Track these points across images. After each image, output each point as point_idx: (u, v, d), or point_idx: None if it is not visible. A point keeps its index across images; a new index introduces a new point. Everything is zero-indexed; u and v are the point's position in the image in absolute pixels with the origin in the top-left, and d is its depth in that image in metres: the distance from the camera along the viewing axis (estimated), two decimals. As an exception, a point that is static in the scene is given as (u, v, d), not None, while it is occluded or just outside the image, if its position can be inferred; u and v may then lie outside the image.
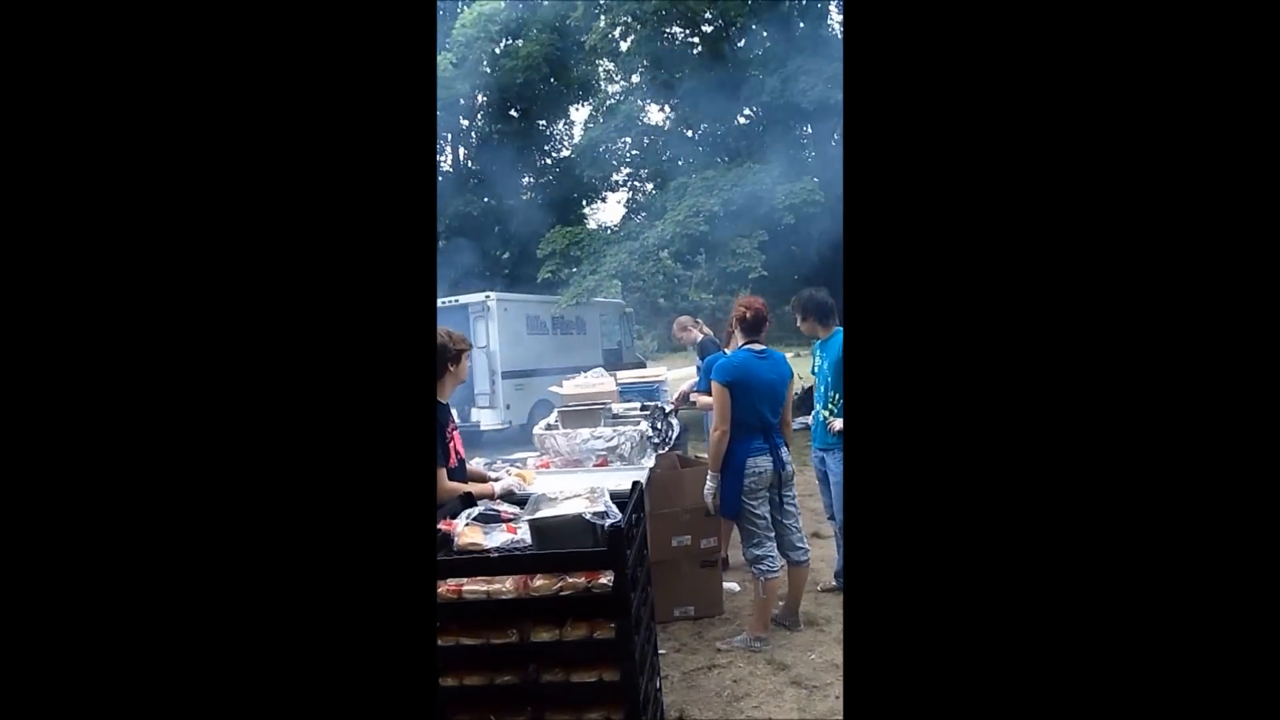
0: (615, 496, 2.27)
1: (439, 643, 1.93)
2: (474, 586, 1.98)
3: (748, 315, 3.50)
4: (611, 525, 2.00)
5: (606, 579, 1.94)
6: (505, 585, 1.97)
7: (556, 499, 2.27)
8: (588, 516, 2.04)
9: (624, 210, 15.65)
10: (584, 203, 16.34)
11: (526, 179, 15.02)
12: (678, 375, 10.85)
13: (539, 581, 1.96)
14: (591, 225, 15.15)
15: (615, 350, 13.94)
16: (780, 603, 3.57)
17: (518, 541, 2.08)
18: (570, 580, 1.95)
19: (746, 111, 12.96)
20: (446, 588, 1.97)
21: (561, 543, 2.05)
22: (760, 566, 3.35)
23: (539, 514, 2.13)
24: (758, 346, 3.47)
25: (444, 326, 2.67)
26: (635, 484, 2.56)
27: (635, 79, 13.92)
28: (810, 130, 12.41)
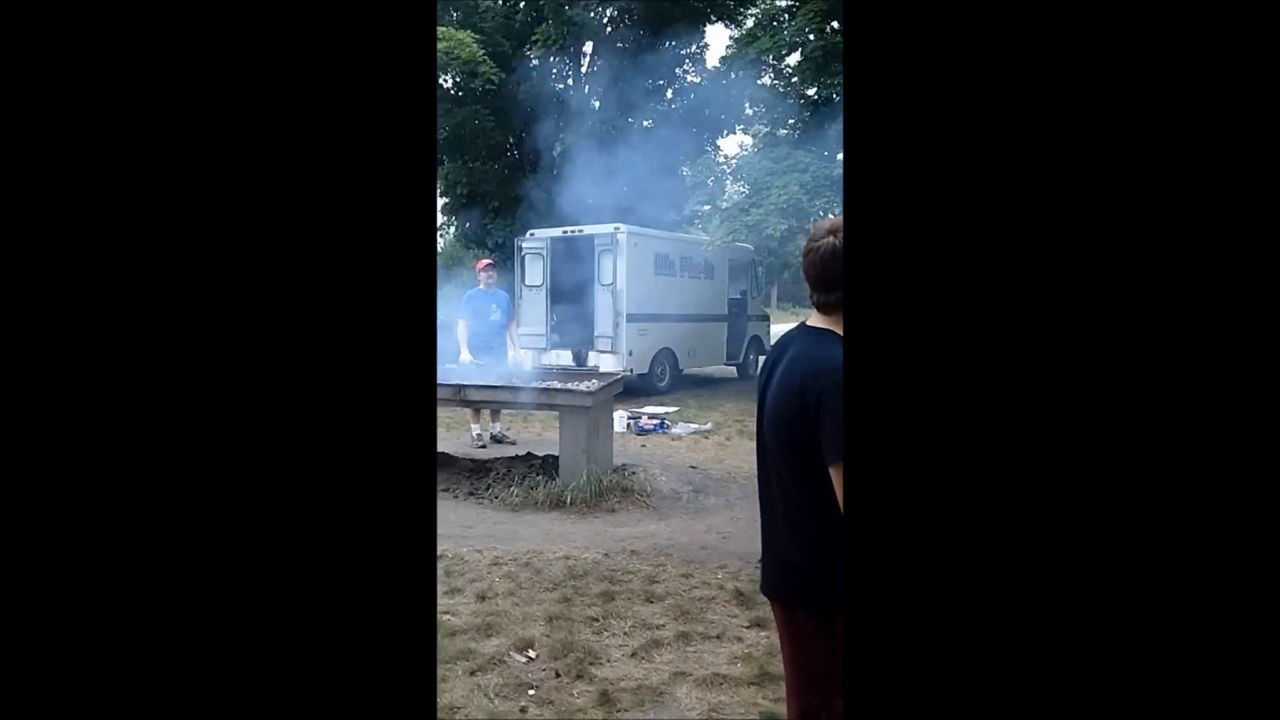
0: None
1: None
2: None
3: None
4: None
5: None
6: None
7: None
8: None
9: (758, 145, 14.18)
10: (720, 133, 14.83)
11: (658, 103, 13.64)
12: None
13: None
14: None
15: (740, 300, 12.68)
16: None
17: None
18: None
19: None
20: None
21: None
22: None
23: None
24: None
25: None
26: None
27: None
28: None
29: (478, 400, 4.84)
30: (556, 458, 4.96)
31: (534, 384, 4.96)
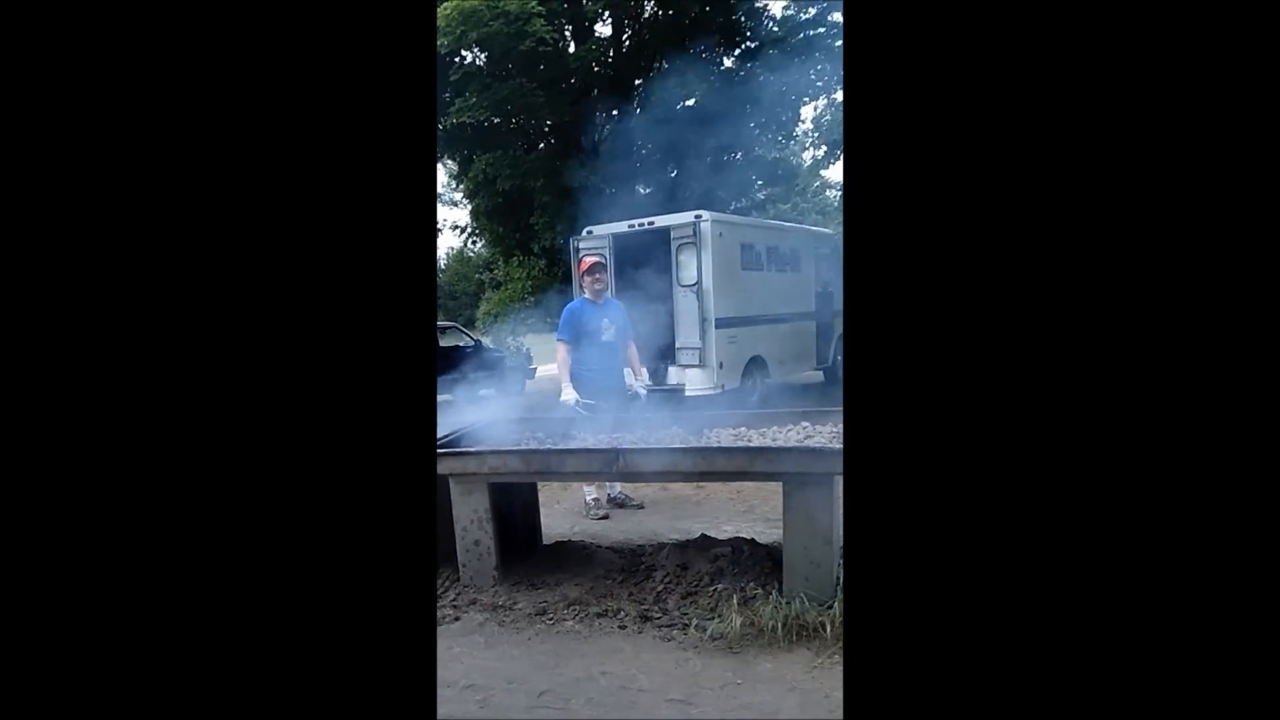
0: None
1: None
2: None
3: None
4: None
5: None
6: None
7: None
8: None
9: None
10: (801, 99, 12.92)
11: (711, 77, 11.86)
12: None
13: None
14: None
15: (825, 293, 10.95)
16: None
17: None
18: None
19: None
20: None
21: None
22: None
23: None
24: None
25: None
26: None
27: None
28: None
29: (648, 473, 3.12)
30: (764, 547, 3.27)
31: (729, 442, 3.26)
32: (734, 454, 2.99)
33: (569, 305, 4.75)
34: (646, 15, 12.03)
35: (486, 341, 12.82)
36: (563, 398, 4.39)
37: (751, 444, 3.14)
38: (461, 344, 13.34)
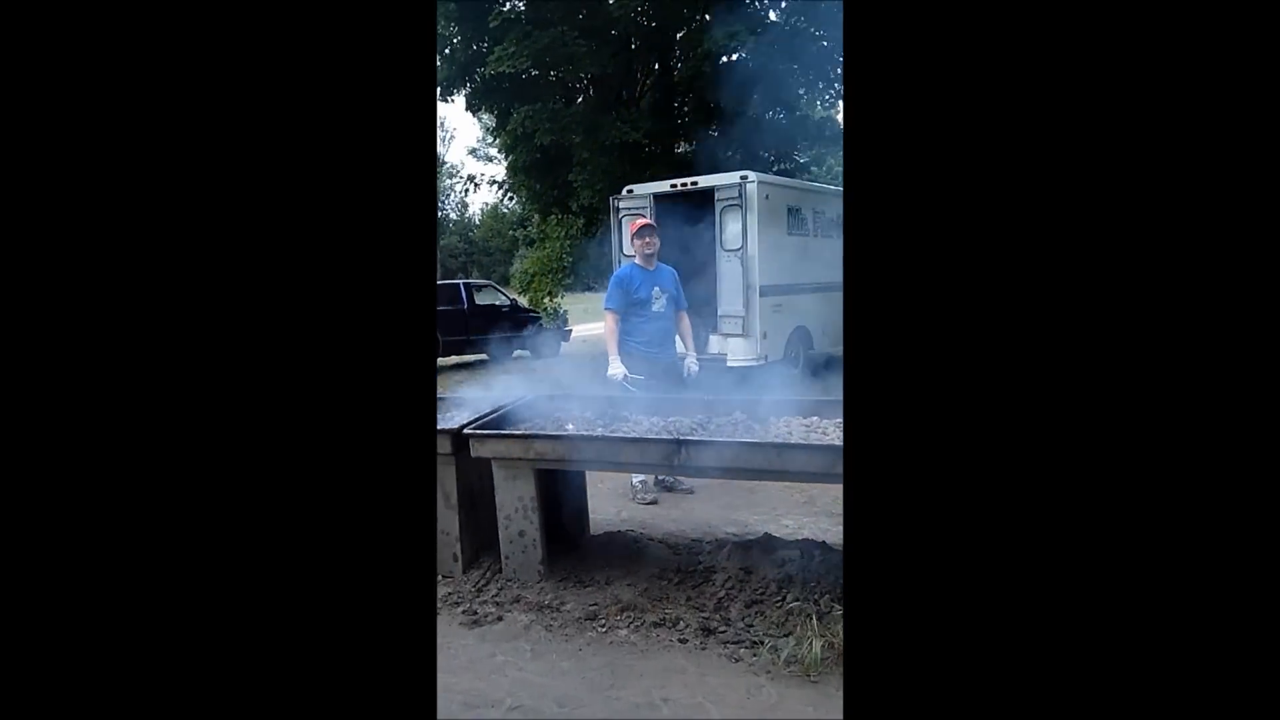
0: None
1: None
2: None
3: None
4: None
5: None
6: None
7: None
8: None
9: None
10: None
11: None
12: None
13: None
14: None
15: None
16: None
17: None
18: None
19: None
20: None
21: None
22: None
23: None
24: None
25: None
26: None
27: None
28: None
29: (713, 469, 2.79)
30: (837, 552, 2.94)
31: (802, 435, 2.92)
32: (815, 452, 2.64)
33: (617, 272, 4.40)
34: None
35: (522, 301, 12.51)
36: (610, 372, 4.07)
37: (830, 439, 2.79)
38: (498, 303, 13.07)
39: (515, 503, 3.12)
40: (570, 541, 3.50)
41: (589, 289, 12.87)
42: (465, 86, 11.98)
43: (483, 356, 12.77)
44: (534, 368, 11.70)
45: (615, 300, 4.20)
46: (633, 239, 4.36)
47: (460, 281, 12.41)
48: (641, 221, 4.47)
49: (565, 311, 12.21)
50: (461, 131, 65.48)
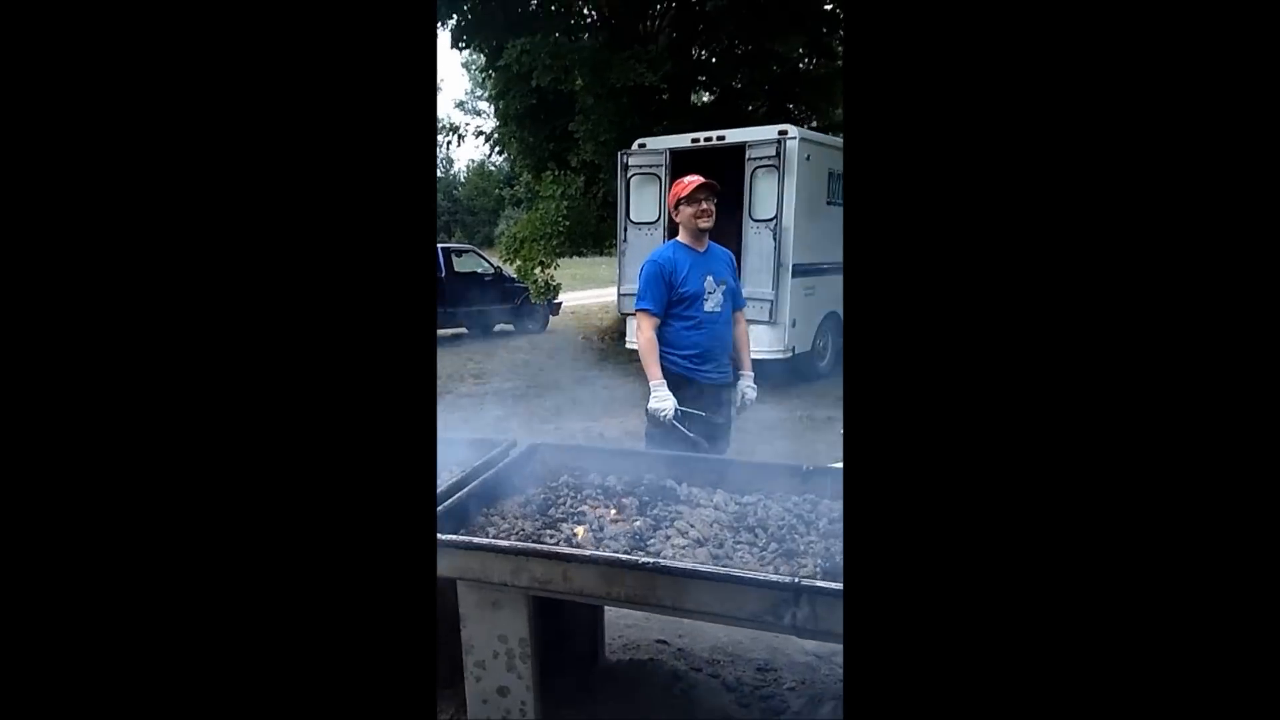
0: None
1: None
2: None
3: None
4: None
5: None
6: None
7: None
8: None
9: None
10: None
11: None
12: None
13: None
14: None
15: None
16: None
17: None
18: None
19: None
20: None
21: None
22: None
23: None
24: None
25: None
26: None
27: None
28: None
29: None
30: None
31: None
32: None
33: (653, 255, 3.01)
34: None
35: (508, 270, 11.11)
36: (652, 405, 2.76)
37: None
38: (480, 270, 11.65)
39: (495, 645, 1.85)
40: (577, 677, 2.24)
41: (579, 253, 11.44)
42: (451, 18, 10.39)
43: (460, 330, 11.40)
44: (518, 345, 10.38)
45: (653, 298, 2.85)
46: (678, 204, 3.00)
47: (438, 246, 10.96)
48: (694, 181, 2.97)
49: (557, 285, 10.83)
50: (450, 83, 62.68)
